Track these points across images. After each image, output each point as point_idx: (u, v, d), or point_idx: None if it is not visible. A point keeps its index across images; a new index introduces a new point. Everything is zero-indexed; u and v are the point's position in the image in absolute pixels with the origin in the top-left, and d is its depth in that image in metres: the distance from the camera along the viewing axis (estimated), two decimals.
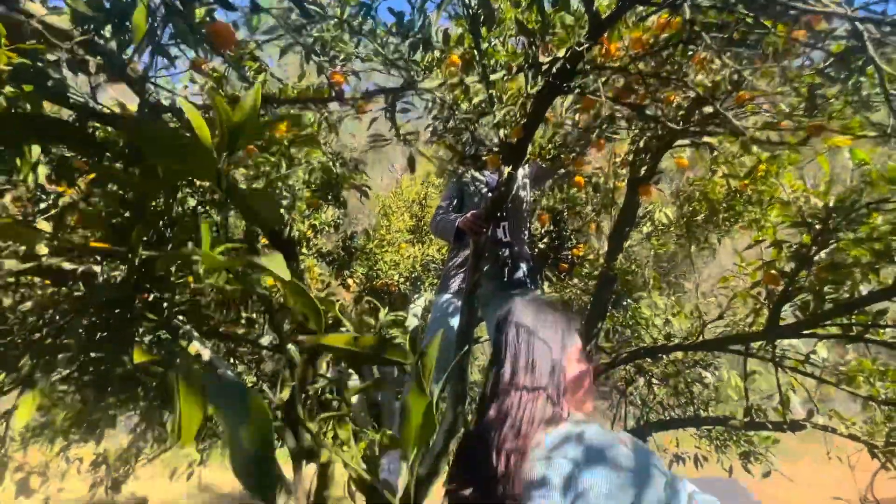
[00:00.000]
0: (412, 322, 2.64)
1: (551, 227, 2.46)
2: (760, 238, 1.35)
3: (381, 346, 0.29)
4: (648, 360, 1.91)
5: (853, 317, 1.31)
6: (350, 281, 2.90)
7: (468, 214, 1.86)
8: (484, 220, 1.69)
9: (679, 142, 1.84)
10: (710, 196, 1.87)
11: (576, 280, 2.21)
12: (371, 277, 3.00)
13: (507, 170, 1.45)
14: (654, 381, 1.93)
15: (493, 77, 1.12)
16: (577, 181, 2.07)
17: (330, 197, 1.76)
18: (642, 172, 1.88)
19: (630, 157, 1.92)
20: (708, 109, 1.56)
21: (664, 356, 1.81)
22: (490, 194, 1.85)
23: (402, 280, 3.46)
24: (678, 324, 1.76)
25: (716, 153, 1.73)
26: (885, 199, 1.15)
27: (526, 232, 2.17)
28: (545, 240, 2.48)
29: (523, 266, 1.96)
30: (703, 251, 1.70)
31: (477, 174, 2.06)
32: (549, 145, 1.87)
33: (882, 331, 1.35)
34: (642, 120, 1.66)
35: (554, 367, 0.79)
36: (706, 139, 1.75)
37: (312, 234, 2.42)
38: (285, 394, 0.70)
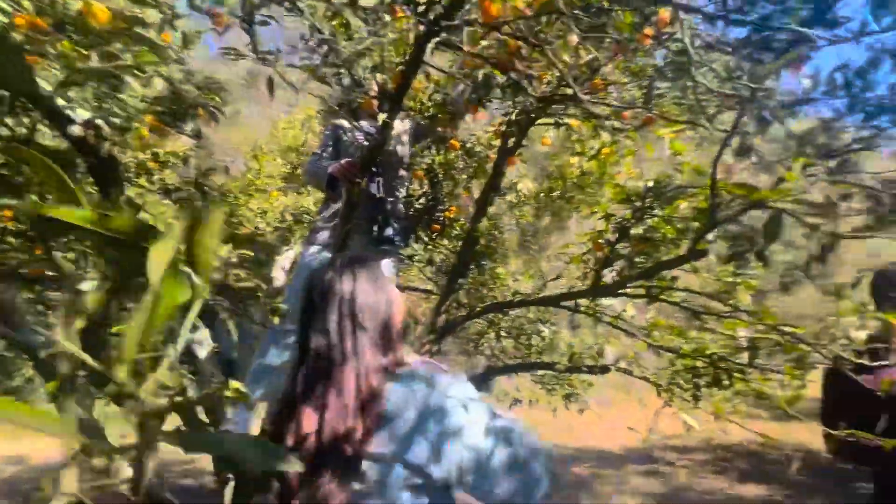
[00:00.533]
0: (279, 276, 2.49)
1: (427, 189, 2.50)
2: (595, 211, 1.57)
3: (140, 233, 0.25)
4: (499, 314, 2.10)
5: (655, 281, 1.61)
6: None
7: (342, 161, 1.78)
8: (358, 168, 1.64)
9: (544, 120, 2.00)
10: (565, 174, 2.06)
11: (446, 241, 2.30)
12: (233, 224, 2.72)
13: (382, 117, 1.41)
14: (502, 333, 2.15)
15: (362, 1, 1.05)
16: (453, 144, 2.12)
17: (177, 121, 1.52)
18: (510, 144, 2.00)
19: (502, 129, 2.02)
20: (569, 91, 1.71)
21: (511, 311, 2.01)
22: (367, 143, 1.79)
23: (270, 229, 3.23)
24: (525, 283, 1.97)
25: (572, 135, 1.91)
26: (690, 186, 1.41)
27: (401, 190, 2.17)
28: (421, 200, 2.52)
29: (395, 223, 1.97)
30: (560, 222, 1.90)
31: (355, 122, 1.98)
32: (430, 103, 1.86)
33: (673, 293, 1.68)
34: (516, 91, 1.74)
35: (380, 316, 0.81)
36: (567, 120, 1.92)
37: (157, 165, 2.08)
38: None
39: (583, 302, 1.89)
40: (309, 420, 0.71)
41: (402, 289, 2.56)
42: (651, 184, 1.36)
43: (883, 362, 1.41)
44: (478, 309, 1.92)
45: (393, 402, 0.73)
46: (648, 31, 1.42)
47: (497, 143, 2.08)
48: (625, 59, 1.49)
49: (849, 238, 1.18)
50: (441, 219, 2.45)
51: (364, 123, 1.88)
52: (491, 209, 2.33)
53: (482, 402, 0.81)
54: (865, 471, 1.72)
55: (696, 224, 1.32)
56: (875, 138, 1.14)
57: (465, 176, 2.35)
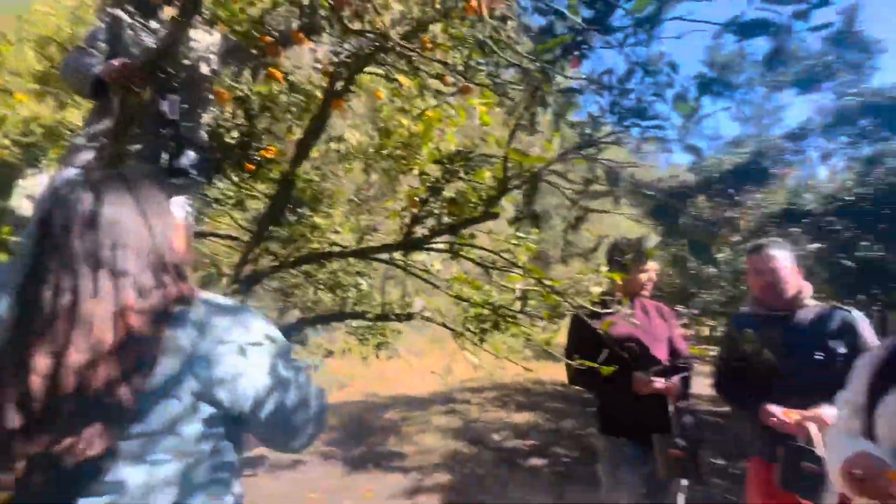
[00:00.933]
0: (21, 205, 1.92)
1: (243, 121, 2.21)
2: (412, 168, 1.64)
3: None
4: (316, 266, 2.04)
5: (457, 238, 1.78)
6: None
7: (115, 61, 1.43)
8: (138, 72, 1.33)
9: (374, 69, 1.96)
10: (394, 133, 2.07)
11: (261, 184, 2.09)
12: None
13: (172, 13, 1.17)
14: (319, 286, 2.11)
15: None
16: (274, 74, 1.91)
17: None
18: (339, 86, 1.90)
19: (331, 68, 1.90)
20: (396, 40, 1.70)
21: (328, 263, 1.98)
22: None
23: (9, 143, 2.42)
24: (346, 236, 1.95)
25: (400, 91, 1.92)
26: (492, 156, 1.58)
27: (204, 116, 1.87)
28: (234, 133, 2.22)
29: (192, 153, 1.69)
30: (388, 180, 1.91)
31: (141, 19, 1.59)
32: (243, 16, 1.62)
33: (471, 250, 1.89)
34: (343, 28, 1.64)
35: (151, 246, 0.70)
36: (397, 76, 1.92)
37: None
38: None
39: (398, 256, 1.98)
40: (41, 363, 0.59)
41: (206, 234, 2.25)
42: (460, 149, 1.48)
43: (608, 310, 1.86)
44: (291, 259, 1.83)
45: (171, 341, 0.66)
46: (473, 2, 1.50)
47: (326, 83, 1.95)
48: (450, 24, 1.55)
49: (595, 212, 1.48)
50: (256, 158, 2.21)
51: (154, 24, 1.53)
52: (315, 155, 2.20)
53: (270, 340, 0.79)
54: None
55: (493, 191, 1.49)
56: (621, 137, 1.39)
57: (287, 114, 2.15)
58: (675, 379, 1.93)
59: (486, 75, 1.55)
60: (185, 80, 1.64)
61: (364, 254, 1.71)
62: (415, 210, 1.60)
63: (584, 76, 1.37)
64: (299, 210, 1.90)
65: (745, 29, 0.78)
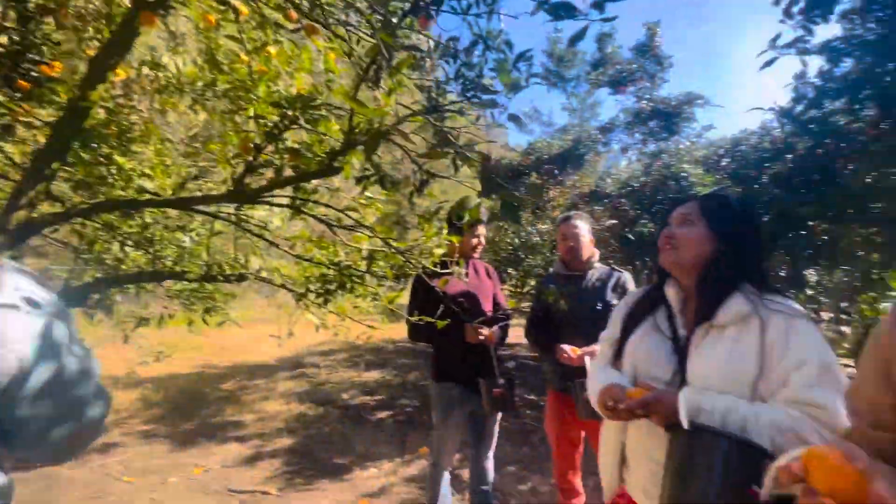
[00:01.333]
0: None
1: (14, 25, 1.66)
2: (245, 108, 1.46)
3: None
4: (123, 217, 1.71)
5: (300, 193, 1.68)
6: None
7: None
8: None
9: None
10: (225, 65, 1.80)
11: (43, 110, 1.62)
12: None
13: None
14: (127, 241, 1.76)
15: None
16: None
17: None
18: None
19: None
20: None
21: (137, 214, 1.67)
22: None
23: None
24: (162, 181, 1.66)
25: (233, 17, 1.67)
26: (338, 107, 1.51)
27: None
28: (2, 39, 1.66)
29: None
30: (220, 118, 1.65)
31: None
32: None
33: (314, 207, 1.81)
34: None
35: None
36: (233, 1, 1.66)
37: None
38: None
39: (230, 210, 1.78)
40: None
41: None
42: (302, 94, 1.38)
43: (446, 270, 2.01)
44: (83, 207, 1.49)
45: None
46: None
47: None
48: None
49: (440, 177, 1.55)
50: (34, 74, 1.71)
51: None
52: (120, 79, 1.80)
53: (31, 305, 0.65)
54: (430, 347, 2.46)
55: (339, 145, 1.44)
56: (464, 107, 1.44)
57: (80, 23, 1.69)
58: (496, 329, 2.22)
59: (336, 21, 1.45)
60: None
61: (184, 204, 1.49)
62: (249, 157, 1.45)
63: (432, 37, 1.39)
64: (93, 146, 1.54)
65: (554, 8, 0.89)
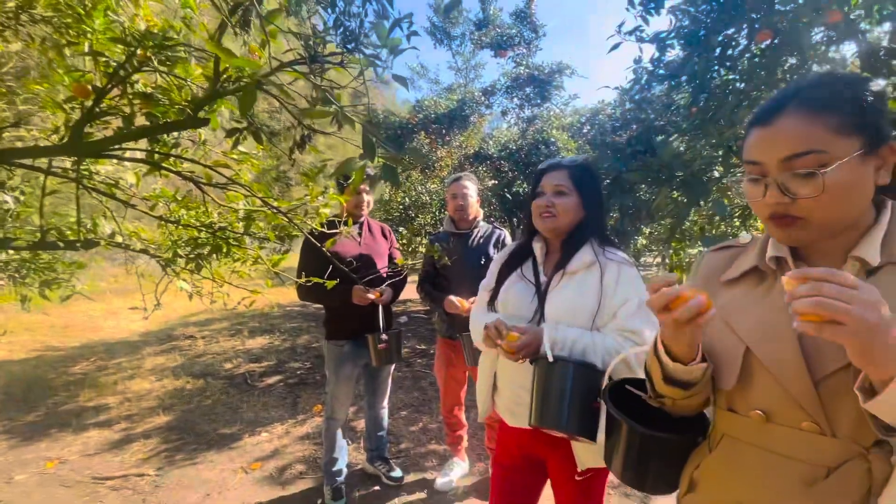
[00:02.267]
0: None
1: None
2: (77, 42, 1.22)
3: None
4: None
5: (158, 146, 1.50)
6: None
7: None
8: None
9: None
10: None
11: None
12: None
13: None
14: None
15: None
16: None
17: None
18: None
19: None
20: None
21: None
22: None
23: None
24: None
25: None
26: (200, 50, 1.35)
27: None
28: None
29: None
30: (44, 51, 1.33)
31: None
32: None
33: (180, 162, 1.63)
34: None
35: None
36: None
37: None
38: None
39: (67, 164, 1.51)
40: None
41: None
42: (153, 30, 1.20)
43: (335, 230, 1.99)
44: None
45: None
46: None
47: None
48: None
49: (323, 133, 1.50)
50: None
51: None
52: None
53: None
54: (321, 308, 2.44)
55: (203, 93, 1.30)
56: (346, 60, 1.40)
57: None
58: (386, 288, 2.30)
59: None
60: None
61: (2, 157, 1.22)
62: (87, 102, 1.23)
63: None
64: None
65: None
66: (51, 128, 1.41)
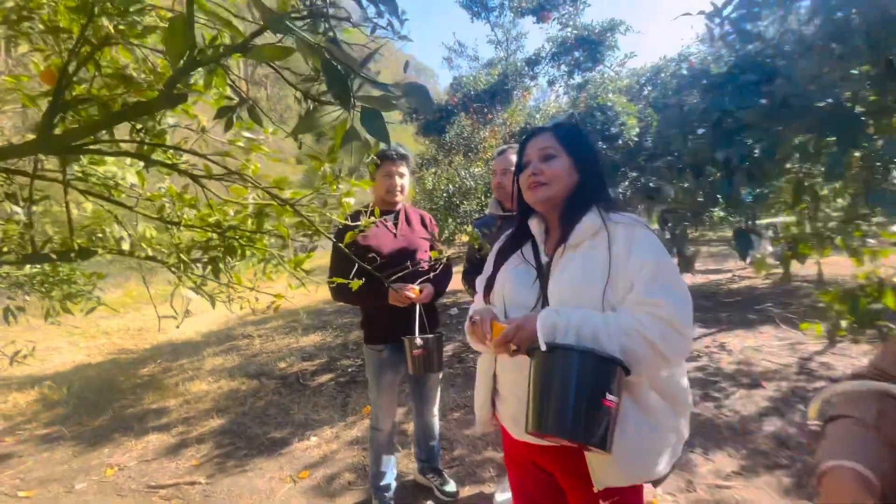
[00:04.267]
0: None
1: None
2: (30, 17, 1.04)
3: None
4: None
5: (147, 137, 1.30)
6: None
7: None
8: None
9: None
10: None
11: None
12: None
13: None
14: None
15: None
16: None
17: None
18: None
19: None
20: None
21: None
22: None
23: None
24: None
25: None
26: (167, 9, 1.12)
27: None
28: None
29: None
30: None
31: None
32: None
33: (177, 155, 1.43)
34: None
35: None
36: None
37: None
38: None
39: (51, 165, 1.36)
40: None
41: None
42: None
43: (356, 223, 1.74)
44: None
45: None
46: None
47: None
48: None
49: (330, 104, 1.23)
50: None
51: None
52: None
53: None
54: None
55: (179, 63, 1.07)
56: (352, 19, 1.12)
57: None
58: (426, 285, 2.02)
59: None
60: None
61: None
62: (50, 86, 1.05)
63: None
64: None
65: None
66: (30, 126, 1.26)
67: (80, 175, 1.38)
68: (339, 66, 0.66)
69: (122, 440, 3.25)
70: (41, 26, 1.03)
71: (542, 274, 1.10)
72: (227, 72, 1.19)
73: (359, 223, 1.74)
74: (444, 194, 5.98)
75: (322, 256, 2.00)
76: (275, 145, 1.69)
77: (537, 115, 5.45)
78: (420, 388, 2.25)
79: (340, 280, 1.68)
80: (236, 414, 3.56)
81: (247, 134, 1.46)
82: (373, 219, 1.76)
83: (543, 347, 0.91)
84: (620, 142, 3.98)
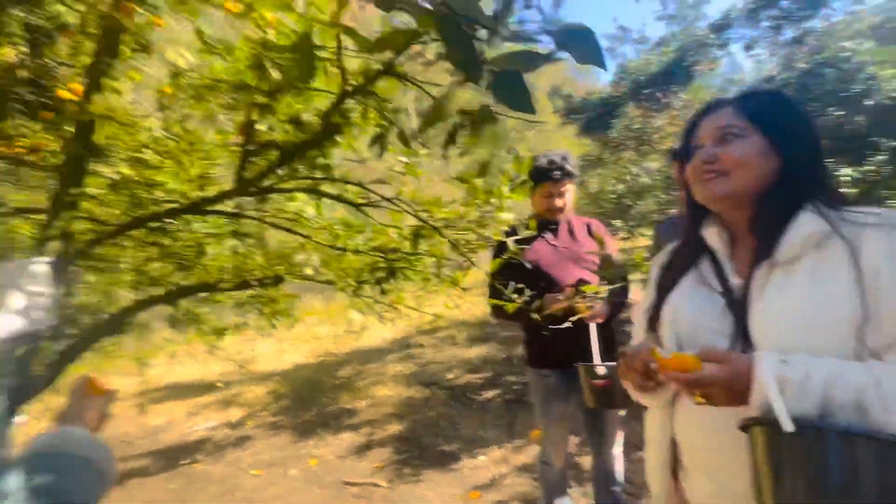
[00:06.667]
0: None
1: (26, 52, 1.63)
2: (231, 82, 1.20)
3: None
4: (148, 231, 1.61)
5: (319, 173, 1.40)
6: None
7: None
8: None
9: None
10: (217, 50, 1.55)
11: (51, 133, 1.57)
12: None
13: None
14: (168, 256, 1.68)
15: None
16: None
17: None
18: None
19: None
20: None
21: (166, 224, 1.55)
22: None
23: None
24: (187, 187, 1.52)
25: None
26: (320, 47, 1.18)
27: None
28: (22, 72, 1.64)
29: None
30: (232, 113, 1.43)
31: None
32: None
33: (347, 189, 1.52)
34: None
35: None
36: None
37: None
38: None
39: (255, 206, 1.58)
40: None
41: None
42: (283, 42, 1.06)
43: (521, 237, 1.60)
44: (108, 228, 1.40)
45: None
46: None
47: None
48: None
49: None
50: (51, 101, 1.67)
51: None
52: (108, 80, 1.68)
53: None
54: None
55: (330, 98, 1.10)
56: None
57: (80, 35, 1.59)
58: (599, 303, 1.74)
59: None
60: None
61: (198, 208, 1.32)
62: (242, 140, 1.20)
63: None
64: (105, 157, 1.44)
65: None
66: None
67: (274, 212, 1.59)
68: (459, 22, 0.52)
69: (324, 434, 3.76)
70: (226, 87, 1.19)
71: (735, 302, 0.80)
72: (378, 101, 1.18)
73: (516, 237, 1.60)
74: (613, 196, 5.41)
75: (481, 270, 1.92)
76: (432, 165, 1.67)
77: (732, 88, 4.47)
78: (597, 423, 1.96)
79: (495, 301, 1.57)
80: (411, 422, 3.77)
81: (402, 158, 1.46)
82: (529, 232, 1.59)
83: (788, 426, 0.57)
84: (870, 102, 2.87)
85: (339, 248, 1.52)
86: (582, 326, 1.73)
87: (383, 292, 1.72)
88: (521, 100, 0.52)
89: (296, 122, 1.22)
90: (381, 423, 3.83)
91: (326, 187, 1.44)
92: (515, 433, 3.31)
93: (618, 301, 1.82)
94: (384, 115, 1.16)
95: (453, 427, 3.56)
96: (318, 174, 1.36)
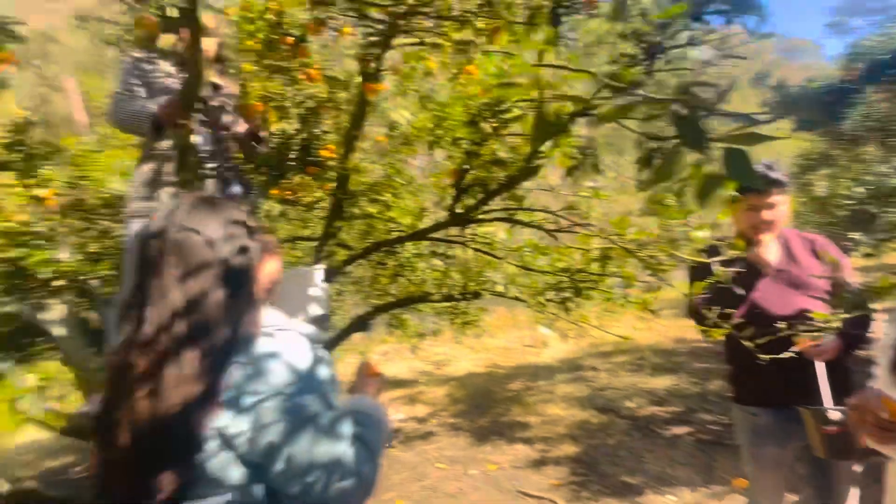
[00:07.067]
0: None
1: (298, 126, 2.30)
2: (441, 137, 1.49)
3: None
4: (389, 254, 2.05)
5: (511, 203, 1.60)
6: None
7: (164, 100, 1.56)
8: (183, 108, 1.43)
9: (405, 39, 1.83)
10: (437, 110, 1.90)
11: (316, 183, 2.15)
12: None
13: (189, 48, 1.21)
14: (406, 273, 2.11)
15: None
16: (310, 74, 1.92)
17: None
18: (371, 68, 1.84)
19: (360, 52, 1.84)
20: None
21: (398, 249, 1.97)
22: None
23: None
24: (405, 219, 1.91)
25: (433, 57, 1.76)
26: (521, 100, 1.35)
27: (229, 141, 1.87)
28: (296, 141, 2.32)
29: (236, 183, 1.74)
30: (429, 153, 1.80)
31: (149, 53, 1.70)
32: (260, 23, 1.64)
33: (533, 214, 1.68)
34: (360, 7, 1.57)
35: (241, 271, 0.69)
36: (428, 39, 1.77)
37: None
38: None
39: (457, 232, 1.87)
40: (142, 404, 0.61)
41: (287, 240, 2.42)
42: (486, 101, 1.29)
43: (724, 258, 1.50)
44: (356, 251, 1.86)
45: (235, 376, 0.64)
46: None
47: (355, 66, 1.90)
48: None
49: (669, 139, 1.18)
50: (318, 159, 2.29)
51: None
52: (367, 144, 2.19)
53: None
54: None
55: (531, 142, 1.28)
56: (697, 36, 1.06)
57: (333, 109, 2.17)
58: (830, 337, 1.48)
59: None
60: (211, 109, 1.70)
61: (418, 236, 1.65)
62: (453, 181, 1.47)
63: None
64: (359, 200, 1.91)
65: None
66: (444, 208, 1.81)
67: (471, 236, 1.86)
68: (698, 120, 0.60)
69: (498, 442, 3.95)
70: (448, 139, 1.48)
71: None
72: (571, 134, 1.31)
73: (718, 258, 1.51)
74: (849, 202, 4.32)
75: (672, 290, 1.84)
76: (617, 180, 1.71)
77: None
78: (824, 478, 1.64)
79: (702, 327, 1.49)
80: (587, 446, 3.68)
81: (589, 183, 1.55)
82: (735, 253, 1.48)
83: None
84: None
85: (529, 269, 1.69)
86: (806, 362, 1.50)
87: (567, 310, 1.81)
88: (747, 175, 0.57)
89: (499, 162, 1.44)
90: (554, 442, 3.83)
91: (520, 214, 1.62)
92: (714, 478, 2.92)
93: (854, 334, 1.52)
94: (579, 148, 1.28)
95: (636, 459, 3.34)
96: (513, 204, 1.55)
